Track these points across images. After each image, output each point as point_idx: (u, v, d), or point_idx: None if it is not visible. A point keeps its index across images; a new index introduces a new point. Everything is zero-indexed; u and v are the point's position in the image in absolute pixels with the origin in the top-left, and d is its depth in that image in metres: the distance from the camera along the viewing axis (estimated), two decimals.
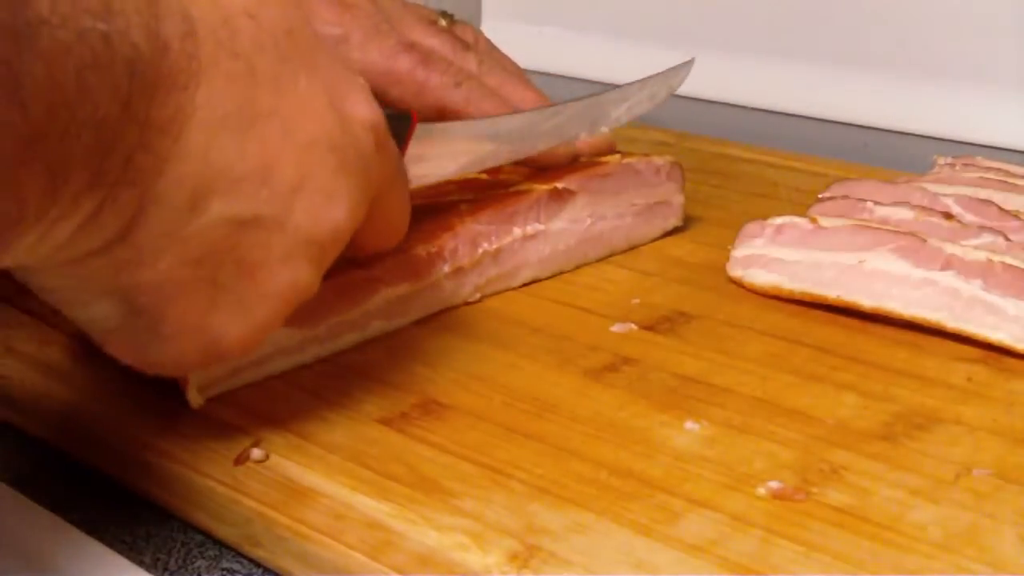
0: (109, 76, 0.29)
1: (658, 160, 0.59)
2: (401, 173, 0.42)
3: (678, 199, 0.61)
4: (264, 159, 0.34)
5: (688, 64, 0.60)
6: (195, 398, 0.42)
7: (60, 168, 0.29)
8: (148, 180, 0.32)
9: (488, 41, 0.70)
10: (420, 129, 0.47)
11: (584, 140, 0.62)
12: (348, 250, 0.39)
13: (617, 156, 0.58)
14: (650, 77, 0.58)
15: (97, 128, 0.29)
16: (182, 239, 0.33)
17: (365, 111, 0.38)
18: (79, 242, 0.32)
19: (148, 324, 0.35)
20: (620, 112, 0.58)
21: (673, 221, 0.61)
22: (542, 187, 0.54)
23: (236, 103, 0.33)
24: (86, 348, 0.46)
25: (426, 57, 0.62)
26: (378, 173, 0.39)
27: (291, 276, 0.36)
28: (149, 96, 0.31)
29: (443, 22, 0.67)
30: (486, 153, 0.52)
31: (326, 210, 0.36)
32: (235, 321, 0.36)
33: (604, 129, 0.57)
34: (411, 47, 0.62)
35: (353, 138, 0.37)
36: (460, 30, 0.68)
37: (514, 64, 0.69)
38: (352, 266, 0.46)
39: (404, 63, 0.62)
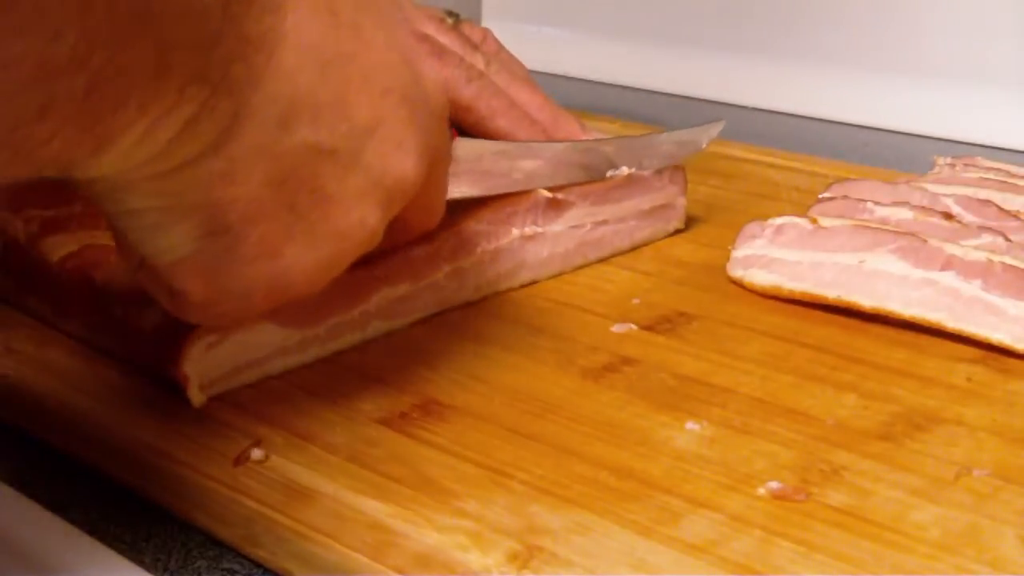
0: None
1: None
2: (449, 153, 0.44)
3: (680, 202, 0.61)
4: (344, 96, 0.36)
5: (718, 124, 0.62)
6: (196, 396, 0.42)
7: (166, 51, 0.30)
8: (244, 92, 0.33)
9: (497, 41, 0.70)
10: (456, 143, 0.48)
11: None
12: (391, 231, 0.40)
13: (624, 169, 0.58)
14: (681, 131, 0.59)
15: (200, 18, 0.31)
16: (271, 157, 0.35)
17: (436, 75, 0.40)
18: (177, 148, 0.32)
19: (227, 246, 0.36)
20: (648, 159, 0.58)
21: (675, 224, 0.61)
22: (542, 192, 0.54)
23: (319, 37, 0.35)
24: (86, 348, 0.46)
25: (439, 50, 0.63)
26: (439, 138, 0.41)
27: (360, 215, 0.38)
28: (246, 7, 0.32)
29: (450, 21, 0.67)
30: (509, 180, 0.52)
31: (396, 157, 0.38)
32: (305, 253, 0.37)
33: (625, 169, 0.57)
34: (425, 39, 0.63)
35: (425, 96, 0.39)
36: (468, 30, 0.69)
37: (522, 66, 0.70)
38: (352, 265, 0.46)
39: None
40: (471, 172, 0.50)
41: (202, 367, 0.42)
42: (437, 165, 0.41)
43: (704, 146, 0.61)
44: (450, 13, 0.68)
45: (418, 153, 0.39)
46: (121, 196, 0.34)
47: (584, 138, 0.64)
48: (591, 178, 0.56)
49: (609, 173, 0.56)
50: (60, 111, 0.28)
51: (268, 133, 0.34)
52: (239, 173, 0.34)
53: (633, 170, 0.57)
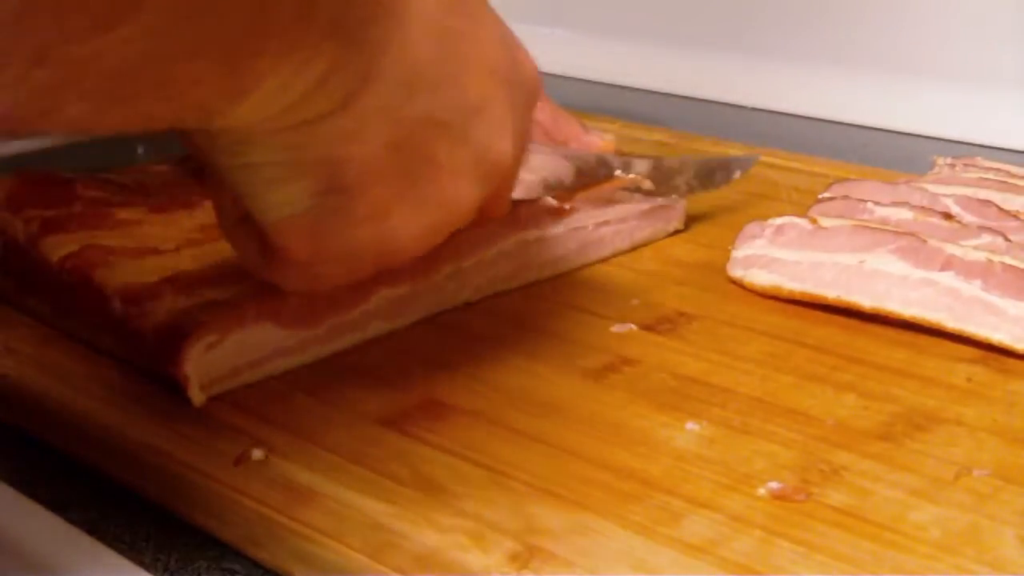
0: None
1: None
2: (528, 143, 0.45)
3: (680, 203, 0.61)
4: (456, 74, 0.38)
5: (754, 157, 0.64)
6: (197, 396, 0.42)
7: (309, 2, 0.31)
8: (375, 54, 0.35)
9: None
10: None
11: (589, 140, 0.63)
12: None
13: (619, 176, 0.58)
14: (712, 159, 0.60)
15: None
16: (394, 121, 0.36)
17: (532, 62, 0.42)
18: (309, 103, 0.34)
19: (340, 205, 0.37)
20: (677, 180, 0.59)
21: (675, 224, 0.61)
22: (547, 200, 0.54)
23: (440, 14, 0.37)
24: (86, 348, 0.46)
25: None
26: (529, 125, 0.43)
27: (463, 188, 0.40)
28: None
29: None
30: (545, 185, 0.54)
31: (498, 137, 0.40)
32: (412, 219, 0.39)
33: (609, 136, 0.58)
34: None
35: (523, 81, 0.41)
36: None
37: None
38: None
39: None
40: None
41: (202, 367, 0.42)
42: (522, 152, 0.43)
43: (734, 176, 0.62)
44: None
45: (514, 135, 0.40)
46: (244, 149, 0.36)
47: (584, 138, 0.64)
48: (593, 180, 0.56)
49: (617, 172, 0.57)
50: (209, 48, 0.29)
51: (393, 96, 0.36)
52: (363, 132, 0.36)
53: (647, 181, 0.58)
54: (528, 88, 0.42)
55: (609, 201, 0.56)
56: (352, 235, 0.38)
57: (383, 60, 0.35)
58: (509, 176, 0.43)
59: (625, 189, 0.58)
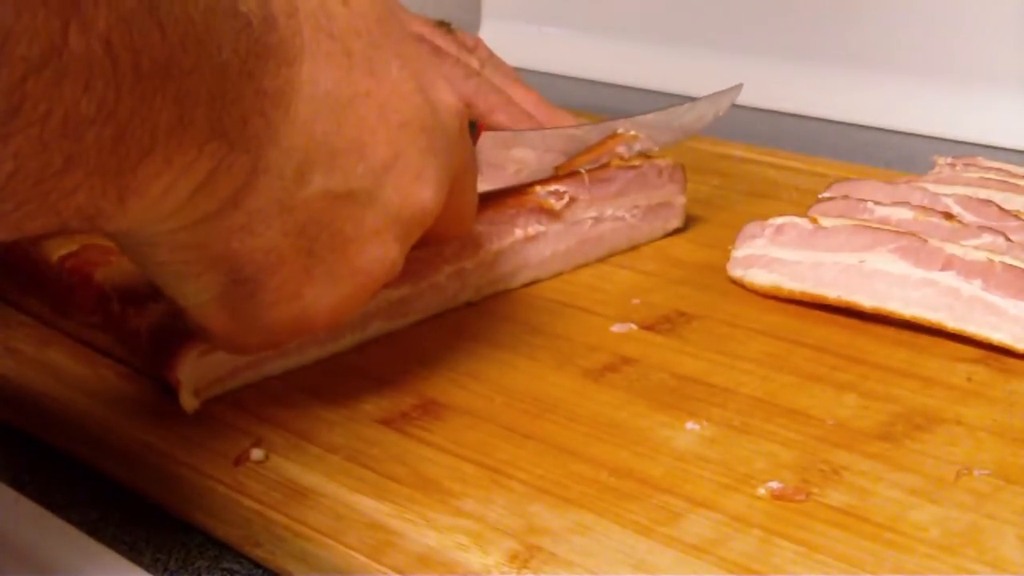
0: (230, 25, 0.31)
1: (660, 162, 0.59)
2: (474, 162, 0.44)
3: (679, 200, 0.60)
4: (360, 137, 0.37)
5: (736, 88, 0.63)
6: (189, 402, 0.41)
7: (188, 104, 0.30)
8: (261, 148, 0.34)
9: (488, 48, 0.71)
10: (485, 137, 0.50)
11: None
12: (422, 240, 0.41)
13: (623, 148, 0.58)
14: (700, 99, 0.60)
15: (220, 73, 0.31)
16: (288, 209, 0.35)
17: (451, 98, 0.41)
18: (198, 202, 0.33)
19: (248, 293, 0.37)
20: (671, 132, 0.59)
21: (674, 222, 0.61)
22: (544, 189, 0.54)
23: (335, 82, 0.36)
24: (86, 348, 0.46)
25: (436, 50, 0.64)
26: (459, 158, 0.41)
27: (378, 251, 0.38)
28: (263, 62, 0.33)
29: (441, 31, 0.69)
30: (542, 164, 0.54)
31: (414, 188, 0.38)
32: (326, 293, 0.38)
33: (634, 132, 0.58)
34: (421, 39, 0.64)
35: (440, 122, 0.39)
36: (460, 36, 0.70)
37: (512, 71, 0.71)
38: None
39: None
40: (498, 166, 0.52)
41: (197, 372, 0.42)
42: (460, 179, 0.42)
43: (722, 112, 0.61)
44: (441, 23, 0.70)
45: (436, 180, 0.39)
46: (146, 251, 0.35)
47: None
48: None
49: (620, 129, 0.57)
50: (86, 161, 0.28)
51: (284, 187, 0.35)
52: (257, 226, 0.35)
53: (643, 137, 0.57)
54: (449, 125, 0.40)
55: (606, 194, 0.56)
56: (266, 316, 0.37)
57: (271, 152, 0.34)
58: (452, 205, 0.41)
59: (623, 145, 0.58)
